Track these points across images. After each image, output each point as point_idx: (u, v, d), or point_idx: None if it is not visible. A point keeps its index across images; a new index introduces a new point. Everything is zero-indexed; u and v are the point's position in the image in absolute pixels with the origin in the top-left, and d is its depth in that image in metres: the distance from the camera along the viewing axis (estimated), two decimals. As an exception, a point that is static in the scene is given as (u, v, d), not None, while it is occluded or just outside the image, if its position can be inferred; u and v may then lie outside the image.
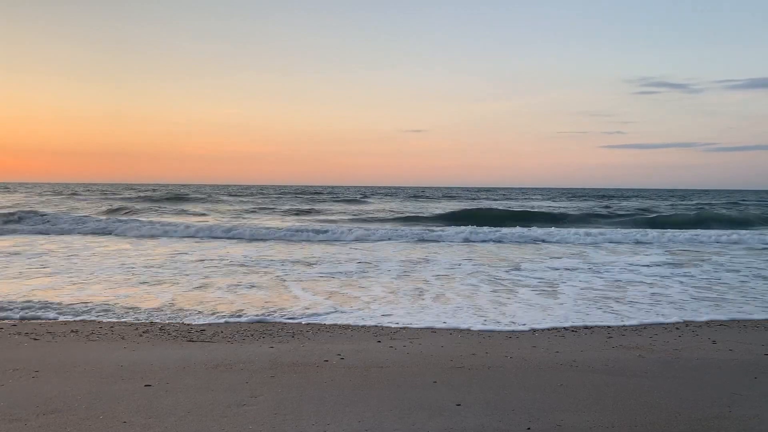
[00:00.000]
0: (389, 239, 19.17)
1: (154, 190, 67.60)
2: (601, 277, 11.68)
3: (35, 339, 6.51)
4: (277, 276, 11.30)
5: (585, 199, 62.71)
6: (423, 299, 9.20)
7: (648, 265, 13.57)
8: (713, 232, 21.78)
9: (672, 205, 49.98)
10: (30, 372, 5.18)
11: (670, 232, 21.42)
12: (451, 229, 21.34)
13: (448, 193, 74.37)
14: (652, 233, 21.13)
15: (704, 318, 8.10)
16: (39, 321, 7.52)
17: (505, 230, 21.00)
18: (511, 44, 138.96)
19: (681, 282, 11.15)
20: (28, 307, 8.12)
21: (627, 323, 7.73)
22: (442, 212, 35.05)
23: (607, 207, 43.57)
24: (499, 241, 19.17)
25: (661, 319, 7.98)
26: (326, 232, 20.13)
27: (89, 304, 8.44)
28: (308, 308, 8.43)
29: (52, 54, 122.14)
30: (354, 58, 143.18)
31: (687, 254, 16.26)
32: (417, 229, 22.41)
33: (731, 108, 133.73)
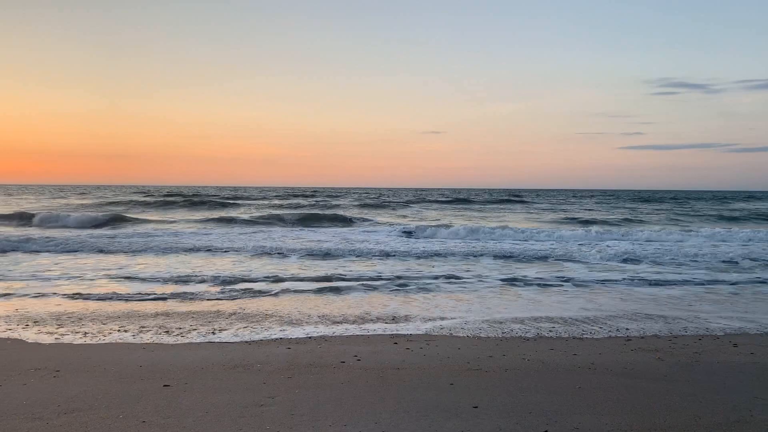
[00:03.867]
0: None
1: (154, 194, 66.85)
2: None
3: (57, 339, 6.60)
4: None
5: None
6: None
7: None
8: None
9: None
10: (51, 371, 5.25)
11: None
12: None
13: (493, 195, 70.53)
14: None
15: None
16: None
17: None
18: (529, 45, 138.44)
19: None
20: None
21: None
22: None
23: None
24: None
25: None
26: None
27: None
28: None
29: (69, 59, 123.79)
30: (371, 61, 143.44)
31: None
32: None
33: (751, 108, 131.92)
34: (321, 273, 12.05)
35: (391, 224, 26.46)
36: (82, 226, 23.57)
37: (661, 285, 11.10)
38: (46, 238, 17.24)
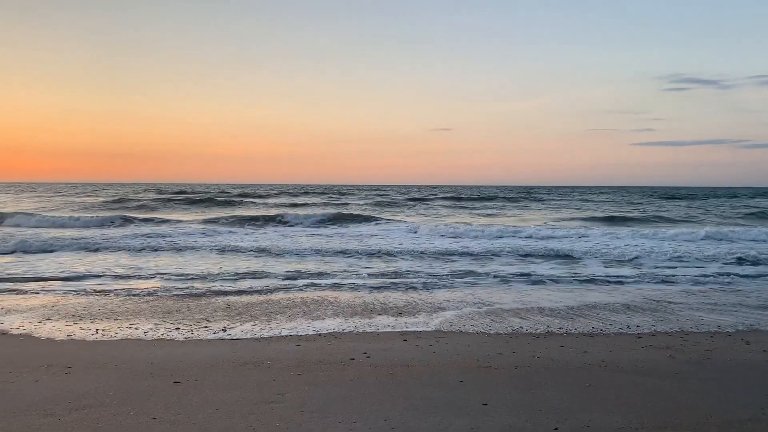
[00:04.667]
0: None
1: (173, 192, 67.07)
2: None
3: (69, 335, 6.65)
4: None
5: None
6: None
7: None
8: None
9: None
10: (63, 368, 5.29)
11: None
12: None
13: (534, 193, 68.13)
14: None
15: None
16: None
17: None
18: (538, 42, 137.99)
19: None
20: None
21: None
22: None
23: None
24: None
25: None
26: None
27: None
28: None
29: (78, 59, 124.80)
30: (378, 59, 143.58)
31: None
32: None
33: (764, 104, 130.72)
34: (333, 270, 12.07)
35: (405, 222, 26.42)
36: (98, 225, 23.68)
37: (675, 282, 11.03)
38: (62, 237, 17.37)
